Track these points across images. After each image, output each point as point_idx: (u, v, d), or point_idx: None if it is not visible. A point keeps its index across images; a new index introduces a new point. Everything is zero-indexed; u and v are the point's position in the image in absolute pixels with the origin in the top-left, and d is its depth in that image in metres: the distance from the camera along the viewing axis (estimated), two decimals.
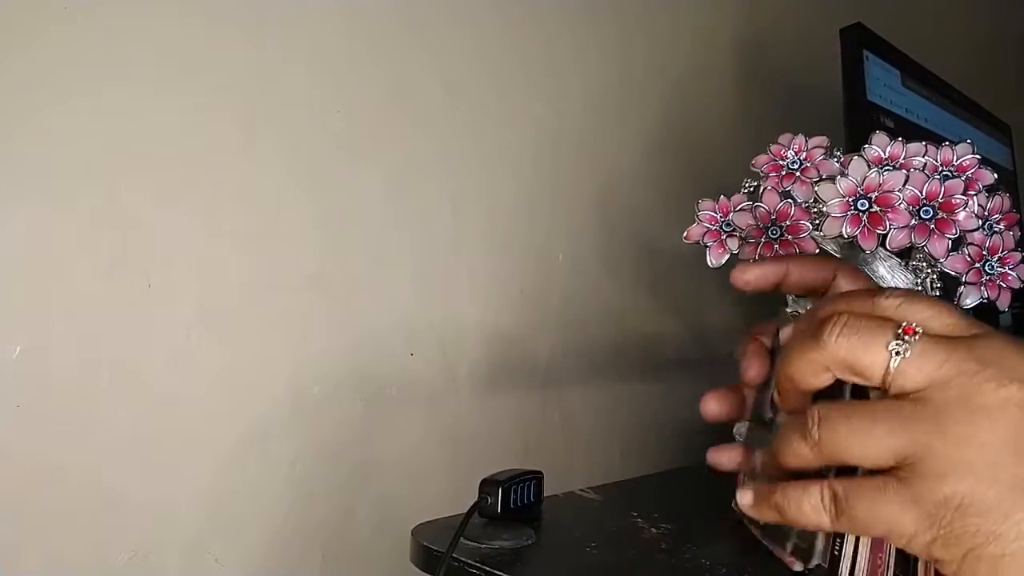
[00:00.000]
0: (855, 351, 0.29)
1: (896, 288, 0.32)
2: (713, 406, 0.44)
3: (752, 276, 0.41)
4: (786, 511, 0.30)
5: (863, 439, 0.28)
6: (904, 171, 0.46)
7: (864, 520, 0.28)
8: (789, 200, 0.50)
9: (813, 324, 0.30)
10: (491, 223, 0.79)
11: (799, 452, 0.29)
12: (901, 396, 0.28)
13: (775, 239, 0.50)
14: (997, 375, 0.27)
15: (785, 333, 0.38)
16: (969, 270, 0.46)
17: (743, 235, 0.52)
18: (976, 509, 0.26)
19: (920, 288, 0.49)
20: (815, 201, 0.48)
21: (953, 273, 0.47)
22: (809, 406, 0.30)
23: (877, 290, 0.32)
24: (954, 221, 0.45)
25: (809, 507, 0.29)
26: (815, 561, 0.36)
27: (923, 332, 0.28)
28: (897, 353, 0.28)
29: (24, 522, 0.51)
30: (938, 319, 0.29)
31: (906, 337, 0.28)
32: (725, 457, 0.43)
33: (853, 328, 0.29)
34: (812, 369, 0.30)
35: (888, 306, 0.30)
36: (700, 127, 1.04)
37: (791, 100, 1.14)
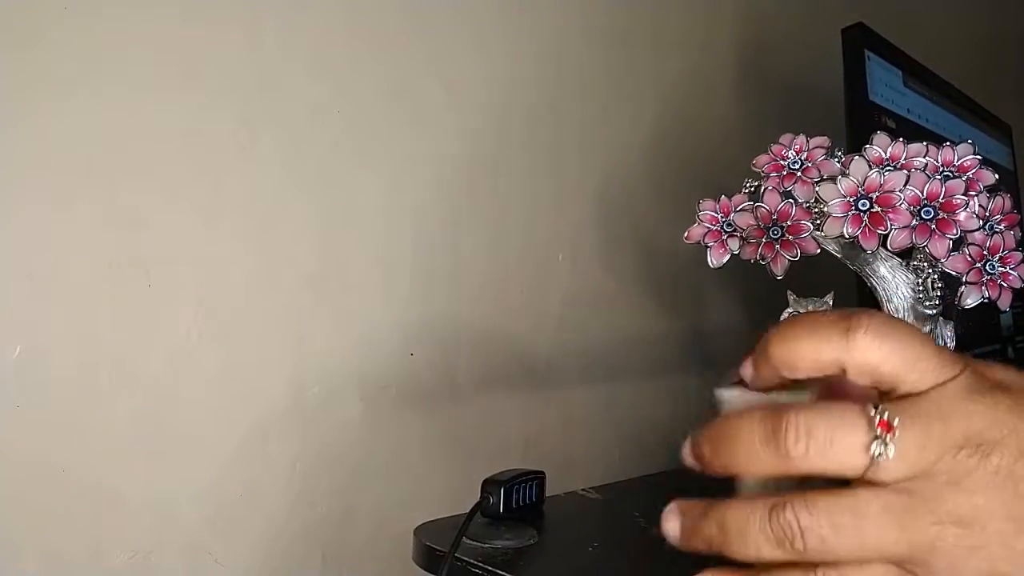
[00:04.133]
0: (826, 461, 0.25)
1: (865, 316, 0.27)
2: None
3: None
4: None
5: (860, 547, 0.25)
6: (905, 171, 0.46)
7: None
8: (790, 200, 0.50)
9: (765, 424, 0.26)
10: (491, 223, 0.79)
11: (774, 558, 0.26)
12: (878, 484, 0.25)
13: (776, 239, 0.50)
14: (979, 445, 0.25)
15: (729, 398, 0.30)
16: (970, 270, 0.46)
17: (744, 235, 0.52)
18: None
19: (922, 289, 0.49)
20: (816, 201, 0.48)
21: (954, 273, 0.47)
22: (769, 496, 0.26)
23: (844, 320, 0.27)
24: (955, 221, 0.45)
25: None
26: None
27: (898, 421, 0.25)
28: (879, 455, 0.25)
29: (24, 522, 0.51)
30: (913, 365, 0.26)
31: (886, 437, 0.25)
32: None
33: (818, 434, 0.25)
34: (764, 476, 0.27)
35: (864, 347, 0.26)
36: (701, 127, 1.04)
37: (792, 100, 1.14)
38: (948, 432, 0.26)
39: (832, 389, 0.29)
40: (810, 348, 0.27)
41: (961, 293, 0.47)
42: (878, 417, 0.25)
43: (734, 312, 1.06)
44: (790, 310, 0.54)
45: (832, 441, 0.25)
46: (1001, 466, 0.25)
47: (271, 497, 0.62)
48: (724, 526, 0.27)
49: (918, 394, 0.26)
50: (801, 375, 0.28)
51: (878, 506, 0.25)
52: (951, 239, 0.45)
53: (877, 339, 0.26)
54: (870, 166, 0.46)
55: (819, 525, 0.25)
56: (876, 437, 0.25)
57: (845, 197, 0.46)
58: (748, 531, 0.26)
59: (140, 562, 0.55)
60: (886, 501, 0.25)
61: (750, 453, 0.26)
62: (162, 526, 0.57)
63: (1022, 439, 0.26)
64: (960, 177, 0.46)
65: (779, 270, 0.51)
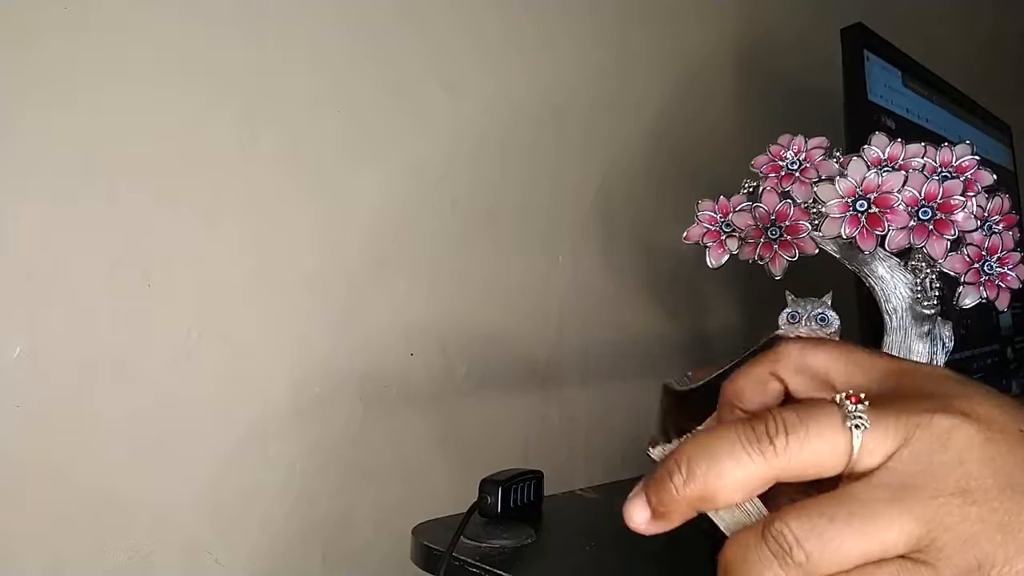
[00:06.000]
0: (814, 449, 0.24)
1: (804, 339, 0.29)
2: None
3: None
4: None
5: (864, 540, 0.23)
6: (903, 172, 0.46)
7: None
8: (788, 201, 0.50)
9: (745, 427, 0.25)
10: (491, 223, 0.79)
11: None
12: (860, 477, 0.24)
13: (774, 239, 0.50)
14: (939, 407, 0.24)
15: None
16: (968, 270, 0.46)
17: (742, 235, 0.52)
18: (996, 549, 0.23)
19: (919, 289, 0.49)
20: (814, 202, 0.48)
21: (952, 273, 0.47)
22: (763, 518, 0.25)
23: (785, 348, 0.29)
24: (953, 222, 0.45)
25: None
26: None
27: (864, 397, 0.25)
28: (857, 427, 0.24)
29: (24, 522, 0.51)
30: (852, 367, 0.28)
31: (858, 408, 0.24)
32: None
33: (795, 424, 0.25)
34: (751, 489, 0.25)
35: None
36: (700, 127, 1.04)
37: (791, 100, 1.14)
38: (908, 401, 0.25)
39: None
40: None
41: (959, 293, 0.47)
42: (843, 393, 0.25)
43: (733, 312, 1.06)
44: (788, 310, 0.54)
45: (809, 426, 0.25)
46: (972, 424, 0.24)
47: (271, 497, 0.62)
48: (726, 566, 0.25)
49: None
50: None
51: (875, 490, 0.24)
52: (949, 240, 0.45)
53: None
54: (868, 167, 0.46)
55: (812, 525, 0.23)
56: (849, 412, 0.24)
57: (843, 198, 0.46)
58: (747, 559, 0.24)
59: (140, 562, 0.56)
60: (880, 483, 0.24)
61: (735, 457, 0.25)
62: (162, 526, 0.57)
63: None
64: (958, 177, 0.46)
65: (777, 270, 0.51)
